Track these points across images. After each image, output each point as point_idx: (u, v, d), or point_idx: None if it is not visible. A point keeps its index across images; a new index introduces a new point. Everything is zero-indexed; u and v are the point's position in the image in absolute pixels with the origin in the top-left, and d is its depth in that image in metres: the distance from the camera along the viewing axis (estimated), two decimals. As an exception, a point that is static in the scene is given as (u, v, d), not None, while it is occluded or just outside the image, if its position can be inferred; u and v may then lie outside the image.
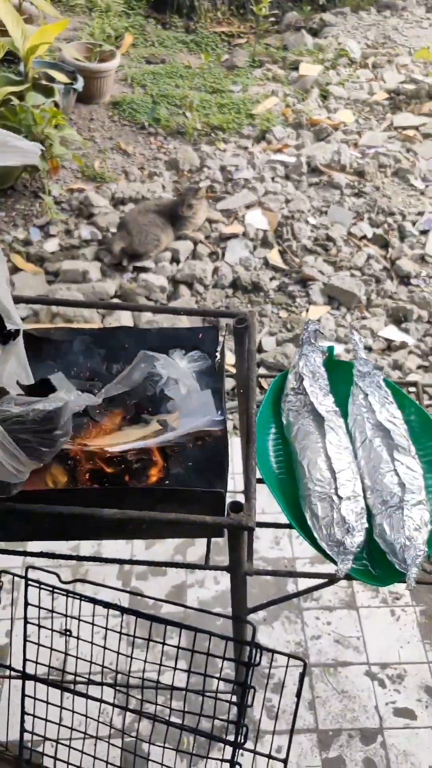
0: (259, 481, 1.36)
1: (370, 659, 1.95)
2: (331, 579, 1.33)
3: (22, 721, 1.69)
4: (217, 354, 1.52)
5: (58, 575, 1.51)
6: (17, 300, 1.72)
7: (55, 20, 3.99)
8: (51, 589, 1.53)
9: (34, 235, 3.32)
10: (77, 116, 4.21)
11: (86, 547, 2.10)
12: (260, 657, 1.43)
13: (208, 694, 1.52)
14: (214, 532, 1.31)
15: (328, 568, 1.34)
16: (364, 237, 3.35)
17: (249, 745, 1.53)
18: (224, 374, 1.47)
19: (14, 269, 3.14)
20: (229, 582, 1.40)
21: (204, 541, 1.44)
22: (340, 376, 1.62)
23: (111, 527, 1.22)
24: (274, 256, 3.20)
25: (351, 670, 1.93)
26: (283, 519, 1.39)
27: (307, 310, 2.98)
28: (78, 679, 1.68)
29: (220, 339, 1.54)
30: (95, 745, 1.65)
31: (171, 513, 1.19)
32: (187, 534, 1.35)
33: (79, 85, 4.03)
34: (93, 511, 1.18)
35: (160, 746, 1.63)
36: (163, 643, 1.50)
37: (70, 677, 1.72)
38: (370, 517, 1.36)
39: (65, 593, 1.52)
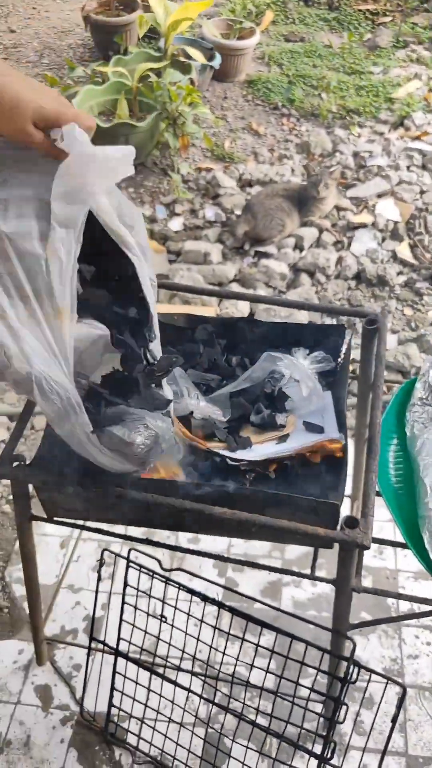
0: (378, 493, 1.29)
1: (470, 689, 1.84)
2: (446, 608, 1.24)
3: (111, 696, 1.72)
4: (341, 356, 1.45)
5: (159, 561, 1.51)
6: (162, 285, 1.72)
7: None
8: (151, 573, 1.54)
9: (160, 213, 3.33)
10: (211, 94, 4.18)
11: (185, 533, 2.10)
12: (357, 674, 1.37)
13: (298, 701, 1.48)
14: (323, 544, 1.25)
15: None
16: None
17: (335, 760, 1.48)
18: (348, 379, 1.40)
19: (138, 246, 3.17)
20: (326, 587, 1.34)
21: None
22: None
23: (220, 525, 1.19)
24: (403, 250, 3.05)
25: (448, 697, 1.83)
26: (398, 534, 1.31)
27: (434, 310, 2.82)
28: (168, 664, 1.68)
29: (347, 339, 1.47)
30: (179, 731, 1.65)
31: (282, 520, 1.14)
32: (295, 542, 1.30)
33: (216, 63, 4.00)
34: (204, 508, 1.15)
35: (242, 744, 1.61)
36: (257, 645, 1.47)
37: (160, 661, 1.73)
38: None
39: (164, 580, 1.52)
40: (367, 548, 1.13)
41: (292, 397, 1.36)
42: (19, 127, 1.02)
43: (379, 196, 3.30)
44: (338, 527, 1.17)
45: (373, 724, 1.53)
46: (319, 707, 1.61)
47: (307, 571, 1.37)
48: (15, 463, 1.22)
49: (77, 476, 1.15)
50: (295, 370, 1.34)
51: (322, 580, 1.30)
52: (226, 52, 4.11)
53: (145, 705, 1.68)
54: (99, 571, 1.61)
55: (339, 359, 1.48)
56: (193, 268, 2.97)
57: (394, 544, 1.37)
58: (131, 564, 1.57)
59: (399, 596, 1.26)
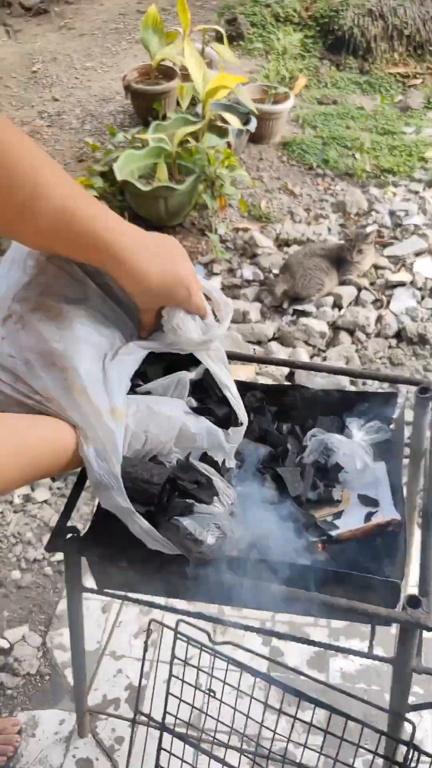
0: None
1: None
2: None
3: (156, 773, 1.66)
4: (393, 424, 1.43)
5: (209, 633, 1.47)
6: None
7: (233, 66, 4.11)
8: (200, 646, 1.50)
9: (199, 273, 3.37)
10: (247, 155, 4.29)
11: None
12: (418, 760, 1.31)
13: (351, 786, 1.41)
14: (382, 622, 1.21)
15: None
16: None
17: None
18: (403, 448, 1.38)
19: (177, 305, 3.21)
20: (378, 661, 1.29)
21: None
22: None
23: (275, 602, 1.16)
24: (442, 308, 3.04)
25: None
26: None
27: None
28: (215, 740, 1.62)
29: (398, 408, 1.45)
30: None
31: (342, 599, 1.11)
32: (352, 620, 1.26)
33: (252, 126, 4.11)
34: (261, 585, 1.12)
35: None
36: (310, 724, 1.42)
37: (207, 737, 1.67)
38: None
39: (213, 653, 1.48)
40: (431, 630, 1.09)
41: (346, 469, 1.34)
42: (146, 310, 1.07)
43: (417, 254, 3.32)
44: (399, 606, 1.13)
45: None
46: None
47: (357, 642, 1.33)
48: (69, 535, 1.22)
49: (132, 551, 1.13)
50: (346, 447, 1.32)
51: (381, 659, 1.26)
52: (261, 116, 4.23)
53: (191, 783, 1.61)
54: (146, 642, 1.58)
55: (391, 425, 1.46)
56: (232, 326, 2.99)
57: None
58: (179, 636, 1.54)
59: (462, 678, 1.20)
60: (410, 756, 1.31)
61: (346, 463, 1.37)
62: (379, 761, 1.50)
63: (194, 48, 3.90)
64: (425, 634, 1.99)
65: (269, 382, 2.71)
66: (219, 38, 4.45)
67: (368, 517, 1.31)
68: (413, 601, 1.10)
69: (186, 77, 4.06)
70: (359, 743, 1.35)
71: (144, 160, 3.72)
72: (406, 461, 1.52)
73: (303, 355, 2.84)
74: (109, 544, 1.19)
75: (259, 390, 1.53)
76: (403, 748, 1.33)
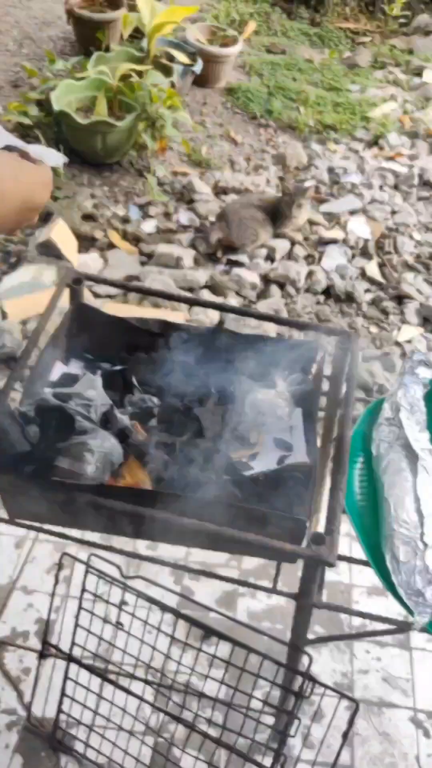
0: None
1: (417, 705, 1.87)
2: (402, 628, 1.26)
3: (61, 702, 1.70)
4: (312, 373, 1.46)
5: (119, 568, 1.49)
6: (110, 282, 1.71)
7: (182, 1, 3.96)
8: (110, 580, 1.52)
9: (133, 214, 3.31)
10: (191, 99, 4.18)
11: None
12: (312, 689, 1.38)
13: (250, 713, 1.48)
14: (287, 559, 1.26)
15: (388, 604, 1.28)
16: (469, 260, 3.21)
17: (284, 773, 1.49)
18: (319, 396, 1.41)
19: (110, 245, 3.15)
20: (281, 599, 1.35)
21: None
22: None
23: (185, 536, 1.19)
24: (372, 268, 3.10)
25: (396, 713, 1.86)
26: (354, 550, 1.33)
27: (399, 329, 2.87)
28: (121, 671, 1.66)
29: (319, 356, 1.48)
30: (128, 740, 1.64)
31: (250, 534, 1.14)
32: (259, 555, 1.30)
33: (198, 67, 4.00)
34: (172, 519, 1.14)
35: (192, 755, 1.61)
36: (213, 656, 1.47)
37: (113, 668, 1.71)
38: (453, 569, 1.28)
39: (123, 587, 1.51)
40: (333, 565, 1.14)
41: (265, 414, 1.37)
42: None
43: (351, 213, 3.35)
44: (304, 543, 1.17)
45: (323, 738, 1.54)
46: (271, 720, 1.62)
47: (266, 583, 1.38)
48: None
49: (44, 481, 1.13)
50: (269, 394, 1.35)
51: (284, 594, 1.31)
52: (207, 58, 4.11)
53: (95, 712, 1.66)
54: (57, 575, 1.59)
55: (310, 375, 1.49)
56: (164, 271, 2.96)
57: (355, 561, 1.38)
58: (90, 569, 1.55)
59: (360, 614, 1.28)
60: (305, 686, 1.39)
61: (266, 411, 1.39)
62: (277, 692, 1.58)
63: (142, -22, 3.73)
64: (328, 574, 2.09)
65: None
66: (170, -30, 4.27)
67: (281, 460, 1.35)
68: (318, 539, 1.15)
69: (133, 7, 3.90)
70: (258, 674, 1.41)
71: (83, 92, 3.57)
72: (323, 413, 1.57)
73: (234, 305, 2.84)
74: (21, 474, 1.18)
75: (186, 332, 1.53)
76: (300, 680, 1.41)
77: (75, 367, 1.50)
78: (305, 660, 1.39)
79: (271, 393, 1.40)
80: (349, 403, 1.37)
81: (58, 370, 1.50)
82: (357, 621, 2.00)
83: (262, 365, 1.46)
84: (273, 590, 1.31)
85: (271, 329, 2.68)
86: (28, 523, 1.36)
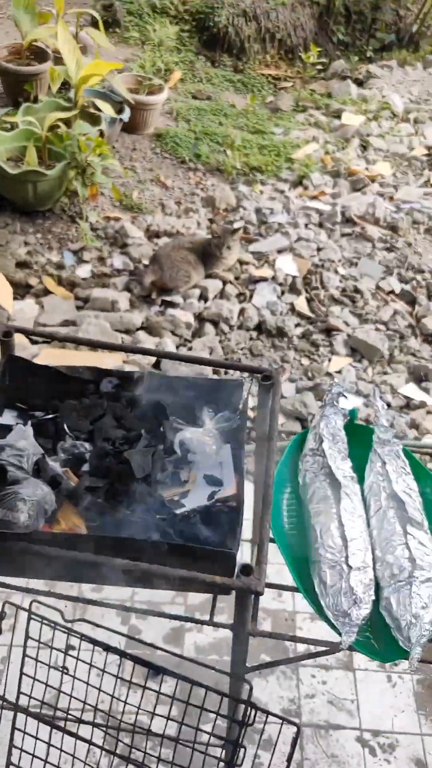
0: (270, 539, 1.37)
1: (362, 725, 1.93)
2: (332, 648, 1.33)
3: (9, 754, 1.69)
4: (239, 411, 1.54)
5: (62, 612, 1.52)
6: (39, 333, 1.77)
7: (108, 53, 4.10)
8: (53, 625, 1.54)
9: (68, 260, 3.37)
10: (120, 145, 4.30)
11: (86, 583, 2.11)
12: (254, 716, 1.43)
13: (198, 747, 1.51)
14: (221, 591, 1.32)
15: (331, 632, 1.34)
16: (392, 292, 3.38)
17: (234, 804, 1.51)
18: (245, 434, 1.49)
19: (45, 291, 3.19)
20: (227, 632, 1.40)
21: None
22: (361, 439, 1.63)
23: (121, 576, 1.23)
24: (301, 303, 3.23)
25: (342, 734, 1.91)
26: (290, 579, 1.39)
27: (330, 360, 2.99)
28: (69, 717, 1.67)
29: (244, 396, 1.56)
30: (80, 786, 1.64)
31: (181, 569, 1.19)
32: (195, 589, 1.35)
33: (125, 115, 4.12)
34: (105, 560, 1.19)
35: (144, 795, 1.62)
36: (158, 692, 1.50)
37: (61, 714, 1.71)
38: (377, 589, 1.36)
39: (66, 631, 1.53)
40: (261, 594, 1.20)
41: (194, 453, 1.44)
42: None
43: (279, 251, 3.50)
44: (234, 575, 1.23)
45: (269, 764, 1.58)
46: (219, 752, 1.65)
47: (207, 618, 1.42)
48: None
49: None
50: (197, 436, 1.42)
51: (220, 625, 1.36)
52: (135, 106, 4.25)
53: (45, 761, 1.65)
54: (-1, 624, 1.60)
55: (237, 412, 1.57)
56: (100, 315, 3.02)
57: (288, 588, 1.44)
58: (33, 616, 1.57)
59: (293, 639, 1.34)
60: (248, 714, 1.43)
61: (195, 450, 1.46)
62: (225, 723, 1.62)
63: (68, 31, 3.85)
64: (273, 602, 2.14)
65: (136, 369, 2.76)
66: (95, 23, 4.42)
67: (212, 495, 1.41)
68: (246, 570, 1.21)
69: (59, 60, 4.00)
70: (202, 706, 1.45)
71: (12, 142, 3.63)
72: (252, 446, 1.64)
73: (170, 345, 2.92)
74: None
75: (116, 376, 1.59)
76: (243, 708, 1.45)
77: (8, 417, 1.54)
78: (247, 688, 1.43)
79: (200, 431, 1.46)
80: (273, 437, 1.45)
81: (-8, 421, 1.53)
82: (302, 648, 2.05)
83: (190, 405, 1.52)
84: (210, 623, 1.36)
85: (207, 369, 2.76)
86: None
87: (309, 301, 3.27)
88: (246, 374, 1.62)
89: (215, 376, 2.64)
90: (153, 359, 2.83)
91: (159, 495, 1.38)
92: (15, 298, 3.13)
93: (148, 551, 1.23)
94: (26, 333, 1.67)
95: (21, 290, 3.20)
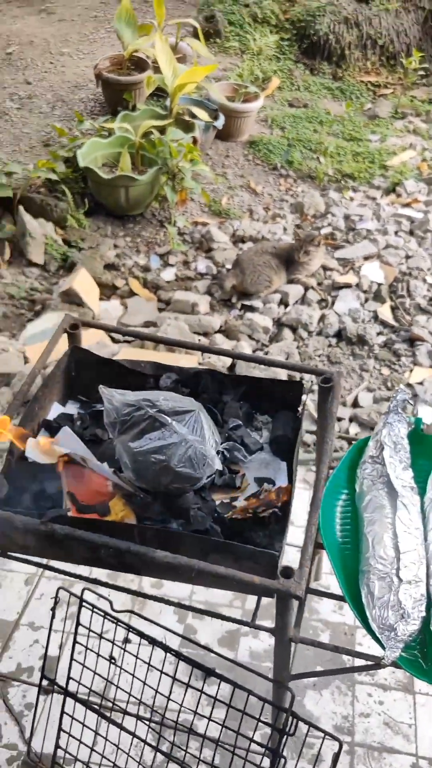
0: (322, 546, 1.33)
1: (419, 751, 1.84)
2: (376, 663, 1.27)
3: (58, 737, 1.72)
4: (299, 412, 1.51)
5: (110, 602, 1.53)
6: (125, 332, 1.80)
7: (208, 61, 4.17)
8: (103, 614, 1.56)
9: (154, 263, 3.44)
10: (214, 152, 4.35)
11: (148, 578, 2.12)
12: (296, 726, 1.39)
13: (239, 751, 1.49)
14: (263, 593, 1.29)
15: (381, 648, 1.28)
16: None
17: None
18: (301, 438, 1.46)
19: (130, 293, 3.27)
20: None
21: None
22: (425, 450, 1.56)
23: (163, 568, 1.23)
24: (384, 311, 3.14)
25: (397, 758, 1.82)
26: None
27: (411, 371, 2.89)
28: (115, 707, 1.69)
29: (303, 398, 1.53)
30: (123, 777, 1.65)
31: (221, 566, 1.18)
32: (237, 589, 1.33)
33: (220, 123, 4.17)
34: (146, 550, 1.19)
35: (184, 794, 1.61)
36: (201, 691, 1.49)
37: (108, 704, 1.73)
38: (429, 606, 1.29)
39: (115, 621, 1.54)
40: (300, 599, 1.17)
41: (249, 459, 1.43)
42: None
43: (366, 258, 3.42)
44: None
45: (312, 779, 1.53)
46: (259, 759, 1.61)
47: (269, 623, 1.39)
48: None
49: (27, 513, 1.20)
50: (249, 439, 1.41)
51: (261, 628, 1.33)
52: (230, 114, 4.29)
53: (92, 749, 1.68)
54: (53, 609, 1.64)
55: (298, 413, 1.54)
56: (180, 317, 3.06)
57: (335, 597, 1.40)
58: (84, 604, 1.59)
59: (336, 649, 1.29)
60: (290, 723, 1.39)
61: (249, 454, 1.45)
62: (269, 731, 1.58)
63: (165, 41, 3.95)
64: (333, 615, 2.08)
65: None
66: (196, 34, 4.51)
67: (260, 496, 1.39)
68: (287, 572, 1.18)
69: (158, 70, 4.11)
70: (243, 710, 1.42)
71: (108, 149, 3.76)
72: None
73: (246, 348, 2.91)
74: (5, 507, 1.25)
75: (174, 372, 1.60)
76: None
77: (71, 408, 1.58)
78: (289, 696, 1.39)
79: (255, 435, 1.45)
80: (327, 439, 1.41)
81: (55, 410, 1.58)
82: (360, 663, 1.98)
83: (247, 405, 1.51)
84: (252, 624, 1.34)
85: (282, 371, 2.73)
86: (23, 557, 1.42)
87: (393, 309, 3.17)
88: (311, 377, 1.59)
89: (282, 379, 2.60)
90: (228, 362, 2.83)
91: (210, 498, 1.37)
92: (101, 299, 3.23)
93: (192, 546, 1.23)
94: (91, 326, 1.72)
95: (107, 291, 3.29)
